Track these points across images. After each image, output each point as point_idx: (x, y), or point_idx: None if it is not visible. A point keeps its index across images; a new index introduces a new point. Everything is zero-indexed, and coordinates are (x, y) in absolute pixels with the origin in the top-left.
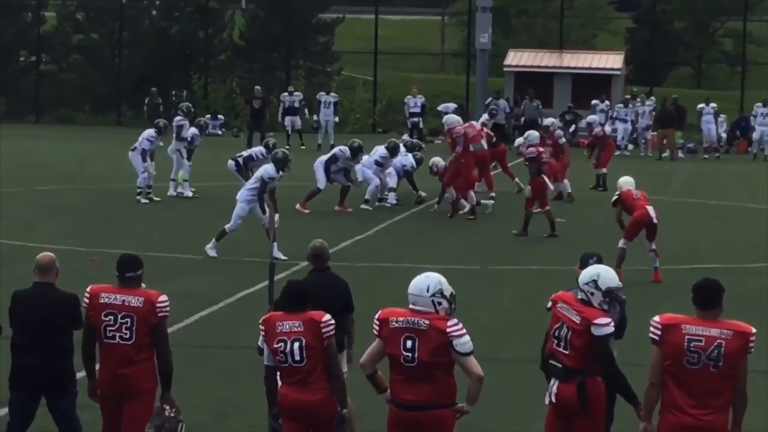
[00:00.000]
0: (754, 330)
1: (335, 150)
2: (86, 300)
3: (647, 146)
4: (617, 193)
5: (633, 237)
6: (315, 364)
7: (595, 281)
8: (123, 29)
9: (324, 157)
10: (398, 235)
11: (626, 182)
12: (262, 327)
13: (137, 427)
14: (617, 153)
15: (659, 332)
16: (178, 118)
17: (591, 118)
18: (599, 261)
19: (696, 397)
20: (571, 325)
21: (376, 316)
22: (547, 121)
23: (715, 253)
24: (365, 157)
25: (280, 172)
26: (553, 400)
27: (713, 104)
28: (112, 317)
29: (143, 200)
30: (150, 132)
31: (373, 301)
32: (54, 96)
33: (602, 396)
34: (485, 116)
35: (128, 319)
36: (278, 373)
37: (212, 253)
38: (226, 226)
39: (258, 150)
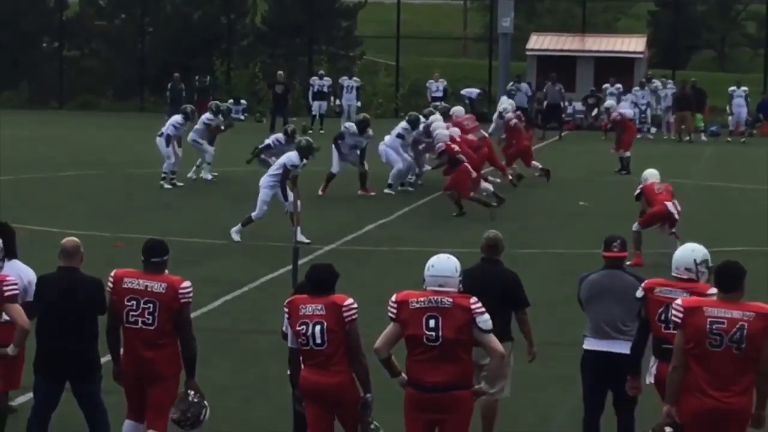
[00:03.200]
0: None
1: (342, 127)
2: (110, 284)
3: (669, 129)
4: (640, 186)
5: (647, 226)
6: (336, 347)
7: (707, 260)
8: (145, 15)
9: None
10: (421, 219)
11: (651, 174)
12: (286, 309)
13: (161, 411)
14: (639, 136)
15: (681, 315)
16: (207, 115)
17: (609, 103)
18: (623, 244)
19: (718, 380)
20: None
21: (392, 299)
22: (501, 105)
23: (739, 237)
24: (387, 137)
25: (304, 160)
26: (652, 380)
27: (744, 87)
28: (134, 302)
29: (166, 185)
30: (177, 118)
31: (396, 285)
32: (77, 82)
33: None
34: (505, 99)
35: (150, 305)
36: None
37: (236, 237)
38: (253, 214)
39: (275, 138)
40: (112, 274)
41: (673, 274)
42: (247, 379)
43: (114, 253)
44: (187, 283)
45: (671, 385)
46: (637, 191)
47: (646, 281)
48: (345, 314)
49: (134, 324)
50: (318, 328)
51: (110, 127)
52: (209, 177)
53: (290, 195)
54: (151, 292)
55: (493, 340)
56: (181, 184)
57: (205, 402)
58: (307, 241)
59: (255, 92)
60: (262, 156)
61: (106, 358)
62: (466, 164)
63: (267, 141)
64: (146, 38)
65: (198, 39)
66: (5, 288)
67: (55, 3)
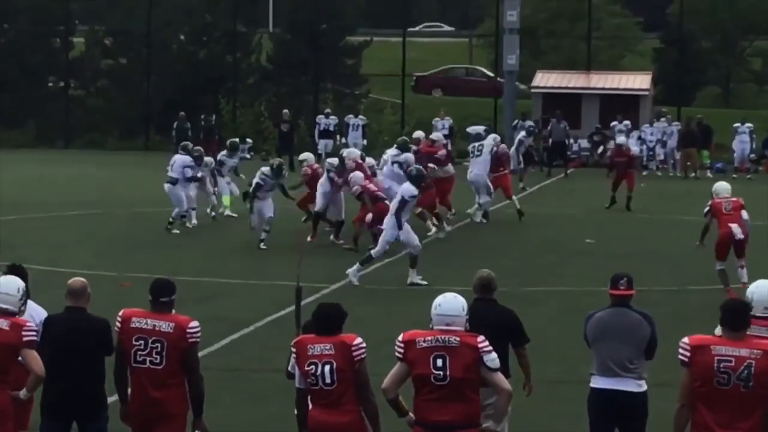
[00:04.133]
0: None
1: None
2: (118, 324)
3: (676, 166)
4: (709, 203)
5: (723, 257)
6: (346, 387)
7: None
8: (151, 54)
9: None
10: (428, 256)
11: (722, 189)
12: (293, 349)
13: None
14: (645, 173)
15: (689, 353)
16: (223, 153)
17: (622, 139)
18: (630, 282)
19: (726, 418)
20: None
21: (399, 339)
22: (434, 135)
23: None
24: (385, 168)
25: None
26: None
27: (749, 124)
28: (142, 342)
29: (174, 230)
30: (186, 159)
31: (403, 323)
32: (83, 121)
33: None
34: (523, 134)
35: (158, 344)
36: (309, 396)
37: (355, 281)
38: (372, 252)
39: (261, 174)
40: (120, 313)
41: (757, 313)
42: (253, 418)
43: (121, 292)
44: (195, 323)
45: (678, 423)
46: (707, 208)
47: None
48: (354, 353)
49: (142, 363)
50: (327, 368)
51: (116, 165)
52: (233, 214)
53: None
54: (159, 332)
55: (501, 379)
56: (194, 222)
57: None
58: (424, 282)
59: (260, 131)
60: (258, 194)
61: (113, 398)
62: (385, 202)
63: (255, 180)
64: (151, 77)
65: (203, 78)
66: (24, 333)
67: (61, 42)
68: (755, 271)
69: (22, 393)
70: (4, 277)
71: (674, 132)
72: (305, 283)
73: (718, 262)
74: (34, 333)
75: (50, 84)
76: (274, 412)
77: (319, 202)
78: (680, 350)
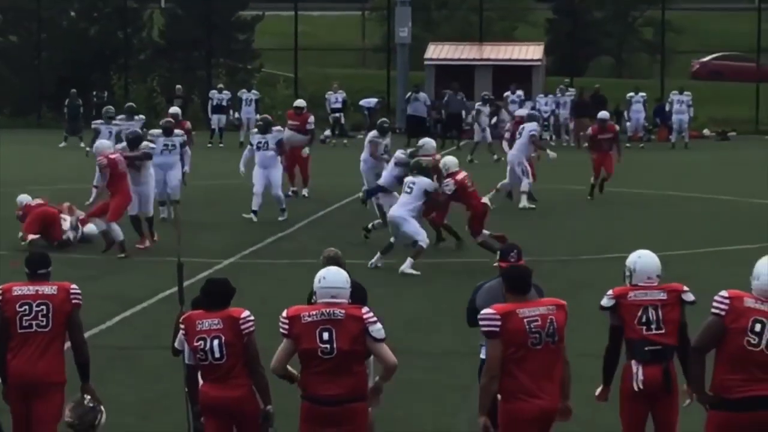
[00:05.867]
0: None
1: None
2: None
3: (570, 136)
4: (451, 181)
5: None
6: (235, 360)
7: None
8: (41, 30)
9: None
10: (322, 231)
11: (452, 163)
12: (182, 326)
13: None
14: None
15: (498, 322)
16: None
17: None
18: (519, 254)
19: (539, 377)
20: (659, 304)
21: (283, 315)
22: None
23: (637, 242)
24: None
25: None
26: (641, 386)
27: (642, 93)
28: (27, 307)
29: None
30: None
31: (296, 298)
32: None
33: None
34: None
35: (44, 307)
36: (199, 372)
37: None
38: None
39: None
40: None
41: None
42: (146, 395)
43: (11, 272)
44: (75, 286)
45: (485, 398)
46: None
47: (614, 289)
48: (243, 326)
49: (29, 328)
50: (216, 342)
51: (7, 143)
52: None
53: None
54: (43, 295)
55: (386, 349)
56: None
57: (102, 407)
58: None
59: (153, 107)
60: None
61: None
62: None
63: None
64: (42, 54)
65: (95, 54)
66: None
67: None
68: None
69: None
70: None
71: (567, 102)
72: (201, 259)
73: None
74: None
75: None
76: (167, 388)
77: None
78: (487, 322)
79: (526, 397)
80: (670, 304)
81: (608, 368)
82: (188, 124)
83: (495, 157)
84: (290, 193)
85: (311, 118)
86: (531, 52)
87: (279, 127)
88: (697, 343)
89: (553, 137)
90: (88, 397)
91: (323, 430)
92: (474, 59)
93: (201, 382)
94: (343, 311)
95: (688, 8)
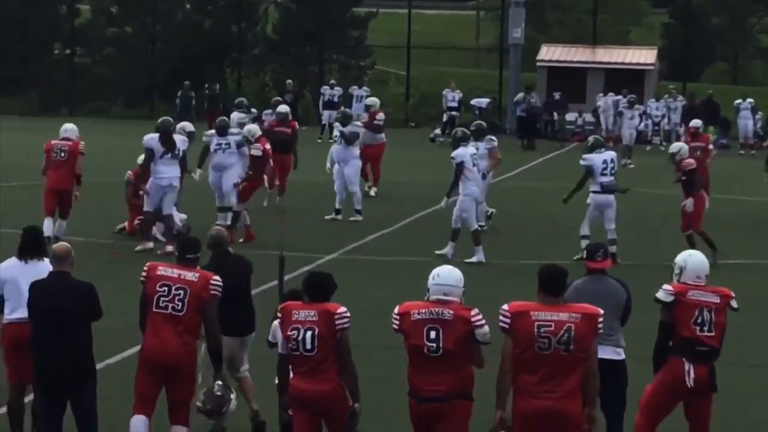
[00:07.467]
0: (601, 312)
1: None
2: (144, 273)
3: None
4: None
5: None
6: (326, 354)
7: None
8: (156, 22)
9: None
10: (423, 230)
11: None
12: (278, 314)
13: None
14: (648, 148)
15: (509, 320)
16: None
17: (677, 145)
18: (606, 253)
19: (547, 382)
20: (713, 307)
21: (395, 311)
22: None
23: (745, 250)
24: None
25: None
26: (692, 384)
27: (750, 100)
28: (166, 288)
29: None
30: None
31: (395, 295)
32: (87, 89)
33: None
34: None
35: (181, 291)
36: (290, 364)
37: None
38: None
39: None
40: (147, 264)
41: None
42: (236, 386)
43: (113, 261)
44: (217, 277)
45: (500, 392)
46: None
47: (672, 285)
48: (337, 322)
49: (164, 309)
50: (309, 333)
51: (120, 134)
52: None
53: None
54: (183, 280)
55: (480, 353)
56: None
57: (232, 395)
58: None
59: (265, 101)
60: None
61: (100, 365)
62: None
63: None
64: (157, 46)
65: (208, 47)
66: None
67: (67, 10)
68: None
69: None
70: None
71: (678, 107)
72: (303, 254)
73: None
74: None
75: (55, 52)
76: (260, 380)
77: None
78: (500, 317)
79: (528, 396)
80: (721, 309)
81: (659, 366)
82: (296, 125)
83: (625, 161)
84: (372, 192)
85: (380, 115)
86: (644, 56)
87: (358, 122)
88: None
89: (663, 143)
90: (219, 383)
91: (426, 425)
92: (586, 62)
93: (291, 374)
94: (452, 312)
95: None
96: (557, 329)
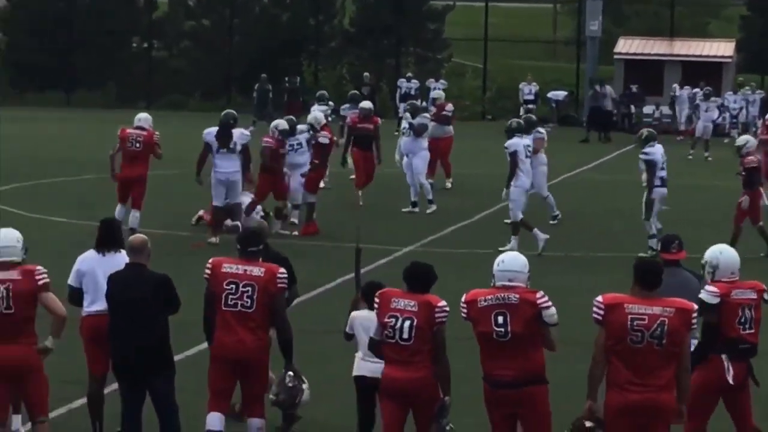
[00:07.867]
0: (695, 306)
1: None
2: (208, 271)
3: (757, 135)
4: None
5: None
6: (421, 345)
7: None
8: (234, 15)
9: None
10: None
11: None
12: (377, 300)
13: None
14: (726, 141)
15: (602, 312)
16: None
17: (744, 138)
18: (680, 245)
19: (640, 375)
20: (752, 304)
21: (462, 300)
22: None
23: None
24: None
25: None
26: (732, 381)
27: None
28: (233, 286)
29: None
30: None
31: (474, 287)
32: (165, 82)
33: None
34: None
35: (249, 288)
36: (383, 351)
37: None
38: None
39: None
40: (210, 261)
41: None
42: (315, 377)
43: (193, 253)
44: (283, 270)
45: (592, 381)
46: None
47: (717, 287)
48: (437, 315)
49: (233, 307)
50: (408, 323)
51: (197, 127)
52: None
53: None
54: (250, 276)
55: (551, 335)
56: None
57: (305, 386)
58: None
59: (342, 94)
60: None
61: (179, 357)
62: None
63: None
64: (234, 39)
65: (286, 40)
66: (38, 277)
67: (145, 3)
68: None
69: (49, 341)
70: (3, 230)
71: (757, 100)
72: (380, 246)
73: None
74: (46, 275)
75: (133, 45)
76: (336, 372)
77: None
78: (594, 309)
79: (618, 389)
80: (758, 305)
81: (696, 364)
82: (378, 120)
83: (692, 153)
84: (447, 185)
85: (448, 107)
86: (722, 48)
87: (427, 114)
88: None
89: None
90: (291, 374)
91: (504, 411)
92: (664, 54)
93: (384, 363)
94: (517, 296)
95: None
96: (650, 323)
